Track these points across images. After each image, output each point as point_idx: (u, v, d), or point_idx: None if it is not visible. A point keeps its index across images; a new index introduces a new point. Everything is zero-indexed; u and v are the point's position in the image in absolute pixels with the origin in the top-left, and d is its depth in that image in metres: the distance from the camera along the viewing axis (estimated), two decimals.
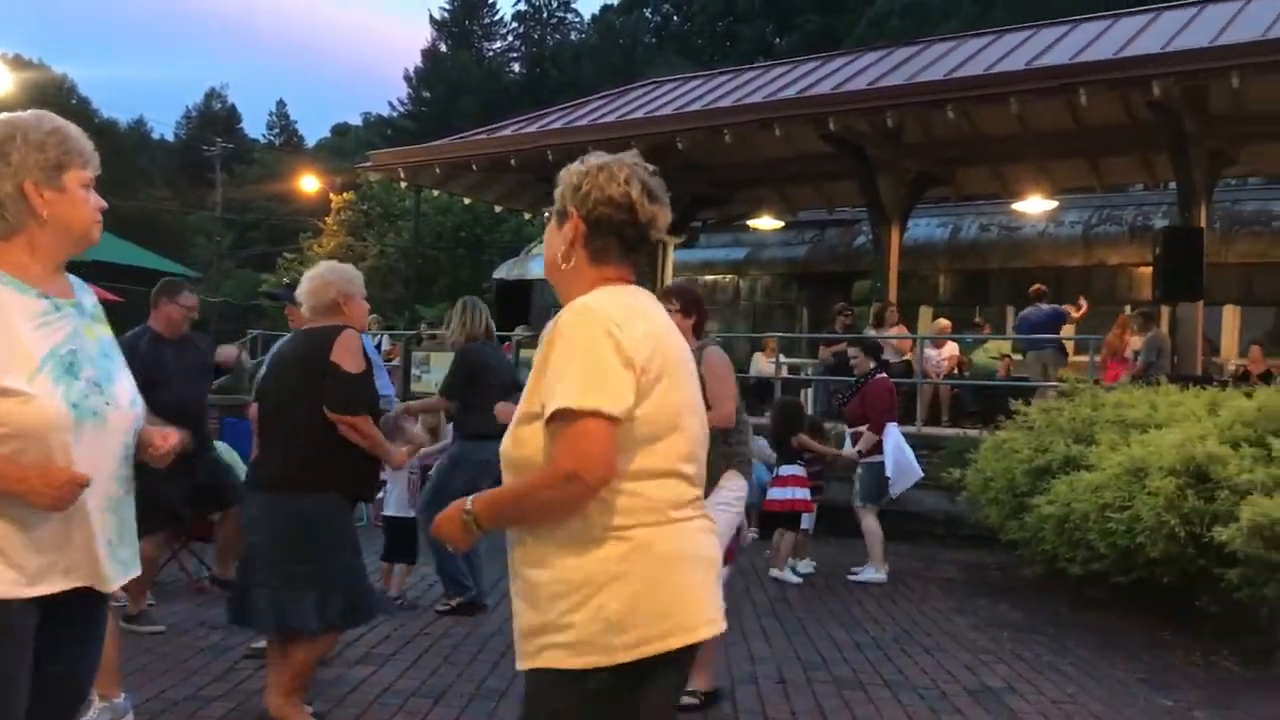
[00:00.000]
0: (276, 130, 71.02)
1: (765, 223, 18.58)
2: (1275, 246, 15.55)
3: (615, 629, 2.10)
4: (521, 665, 2.23)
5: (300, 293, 4.68)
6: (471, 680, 5.45)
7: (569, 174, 2.34)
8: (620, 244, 2.30)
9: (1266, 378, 10.24)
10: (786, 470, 8.89)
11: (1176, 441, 6.81)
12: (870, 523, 8.73)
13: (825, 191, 17.61)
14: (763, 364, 15.55)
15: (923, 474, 8.90)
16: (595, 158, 2.34)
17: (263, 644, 5.04)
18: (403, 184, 18.16)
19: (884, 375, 9.04)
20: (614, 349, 2.11)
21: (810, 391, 15.11)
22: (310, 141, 69.03)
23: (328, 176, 40.94)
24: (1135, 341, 12.68)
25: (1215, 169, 13.04)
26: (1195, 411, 7.50)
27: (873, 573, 8.66)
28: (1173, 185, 13.57)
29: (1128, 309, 15.08)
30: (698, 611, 2.20)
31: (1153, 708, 5.41)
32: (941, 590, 8.44)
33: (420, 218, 26.16)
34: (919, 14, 40.32)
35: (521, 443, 2.21)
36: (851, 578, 8.67)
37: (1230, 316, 16.04)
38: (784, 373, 15.15)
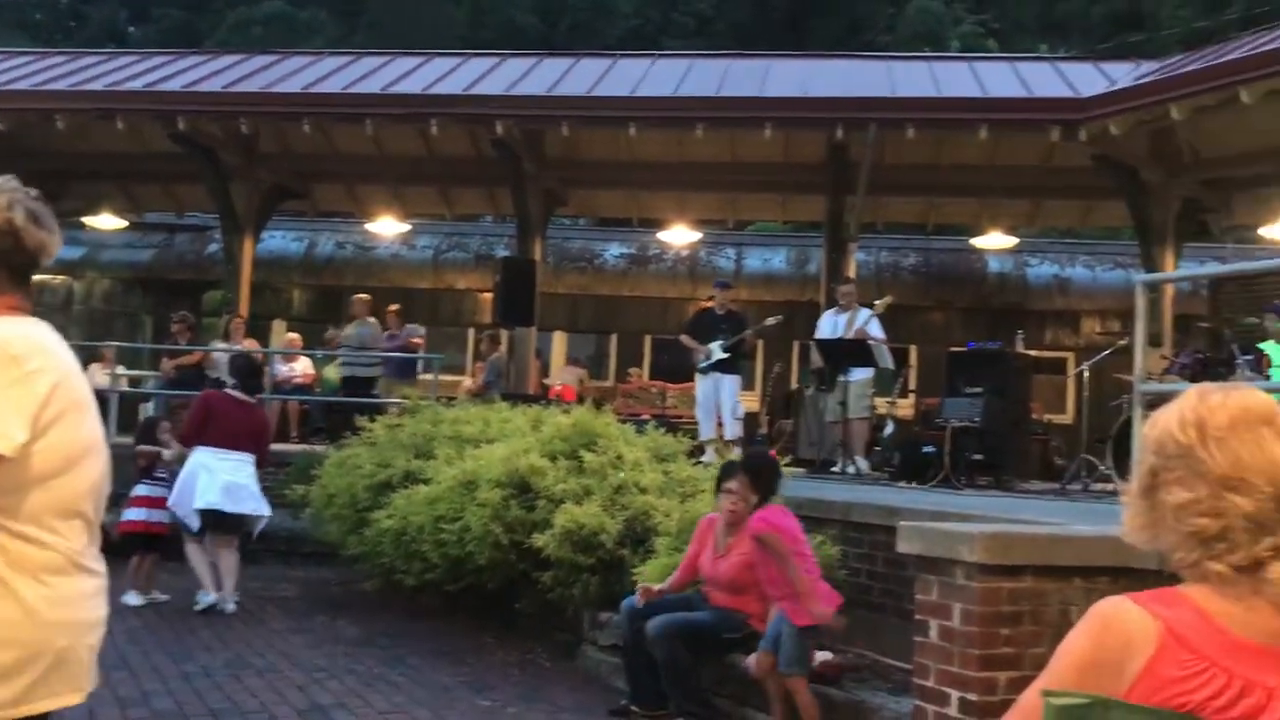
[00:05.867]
0: None
1: (105, 221, 17.10)
2: (596, 281, 17.48)
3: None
4: None
5: None
6: None
7: None
8: (8, 273, 2.14)
9: (581, 398, 11.41)
10: (141, 490, 8.23)
11: (504, 455, 7.33)
12: (190, 548, 8.14)
13: (175, 194, 16.66)
14: (98, 375, 14.25)
15: (209, 508, 7.91)
16: None
17: None
18: None
19: (219, 391, 8.61)
20: (13, 382, 1.99)
21: (152, 405, 14.13)
22: None
23: None
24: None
25: (549, 208, 14.35)
26: (522, 428, 8.13)
27: (206, 598, 8.13)
28: (514, 219, 14.68)
29: (471, 331, 16.04)
30: (76, 677, 2.12)
31: (473, 709, 5.73)
32: (280, 610, 8.28)
33: None
34: (284, 25, 39.81)
35: None
36: (196, 607, 8.16)
37: (559, 342, 17.71)
38: (124, 385, 14.04)
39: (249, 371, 8.79)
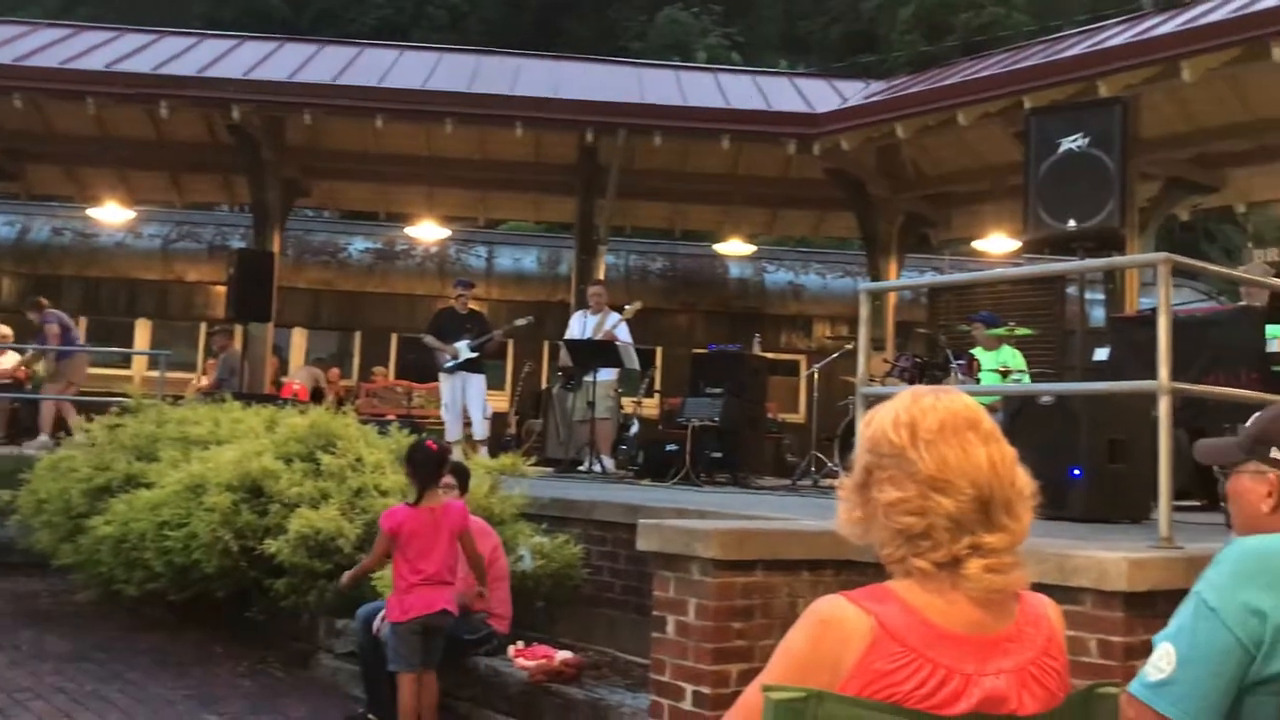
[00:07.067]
0: None
1: None
2: (340, 276, 16.96)
3: None
4: None
5: None
6: None
7: None
8: None
9: (317, 397, 11.03)
10: None
11: (235, 458, 6.96)
12: None
13: None
14: None
15: None
16: None
17: None
18: None
19: None
20: None
21: None
22: None
23: None
24: None
25: (290, 198, 13.79)
26: (255, 428, 7.76)
27: None
28: (251, 208, 14.04)
29: (202, 326, 15.24)
30: None
31: None
32: None
33: None
34: None
35: None
36: None
37: (298, 338, 17.08)
38: None
39: None
